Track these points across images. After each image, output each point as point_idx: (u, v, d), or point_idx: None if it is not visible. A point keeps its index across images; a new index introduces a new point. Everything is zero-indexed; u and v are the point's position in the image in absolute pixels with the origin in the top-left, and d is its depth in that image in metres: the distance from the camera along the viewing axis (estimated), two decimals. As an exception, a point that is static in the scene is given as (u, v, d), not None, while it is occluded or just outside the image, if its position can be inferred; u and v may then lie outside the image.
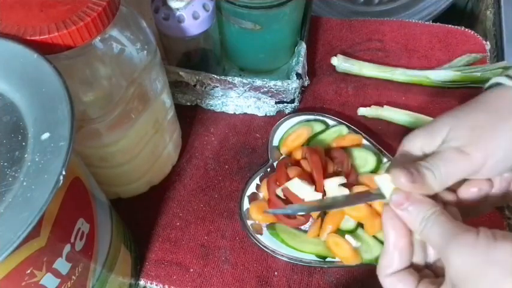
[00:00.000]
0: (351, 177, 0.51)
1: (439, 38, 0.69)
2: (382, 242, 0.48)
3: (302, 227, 0.51)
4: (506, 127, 0.33)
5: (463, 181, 0.34)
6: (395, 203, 0.32)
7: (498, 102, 0.34)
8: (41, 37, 0.33)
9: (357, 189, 0.51)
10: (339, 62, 0.66)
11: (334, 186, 0.49)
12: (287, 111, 0.62)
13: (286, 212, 0.47)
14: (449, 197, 0.34)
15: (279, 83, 0.57)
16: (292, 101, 0.60)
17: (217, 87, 0.59)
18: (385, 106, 0.61)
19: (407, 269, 0.32)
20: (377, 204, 0.50)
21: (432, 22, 0.73)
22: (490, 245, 0.27)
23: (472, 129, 0.33)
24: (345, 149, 0.54)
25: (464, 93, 0.63)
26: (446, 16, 0.82)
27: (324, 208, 0.48)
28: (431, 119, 0.59)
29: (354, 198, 0.41)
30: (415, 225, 0.31)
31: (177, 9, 0.52)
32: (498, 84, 0.36)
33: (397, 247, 0.32)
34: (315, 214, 0.50)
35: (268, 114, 0.62)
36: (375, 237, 0.49)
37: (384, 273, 0.32)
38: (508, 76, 0.35)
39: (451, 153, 0.33)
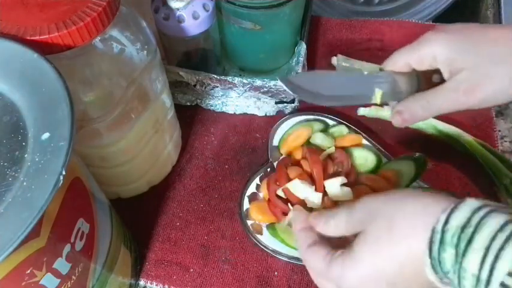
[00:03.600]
0: (351, 177, 0.51)
1: (439, 38, 0.69)
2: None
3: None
4: (505, 70, 0.35)
5: None
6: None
7: (500, 36, 0.36)
8: (41, 37, 0.33)
9: (357, 189, 0.51)
10: (339, 62, 0.66)
11: (335, 187, 0.49)
12: (287, 111, 0.62)
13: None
14: None
15: (279, 83, 0.57)
16: (292, 101, 0.60)
17: (217, 87, 0.59)
18: (385, 106, 0.61)
19: (320, 243, 0.36)
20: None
21: (432, 22, 0.73)
22: None
23: (471, 68, 0.36)
24: (345, 149, 0.54)
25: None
26: (446, 16, 0.82)
27: None
28: (431, 119, 0.59)
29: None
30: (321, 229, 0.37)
31: (177, 9, 0.52)
32: None
33: (301, 230, 0.37)
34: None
35: (268, 114, 0.62)
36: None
37: (302, 250, 0.36)
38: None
39: (450, 96, 0.37)
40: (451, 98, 0.37)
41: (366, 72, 0.40)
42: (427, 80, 0.39)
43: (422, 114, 0.40)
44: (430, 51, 0.38)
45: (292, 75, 0.39)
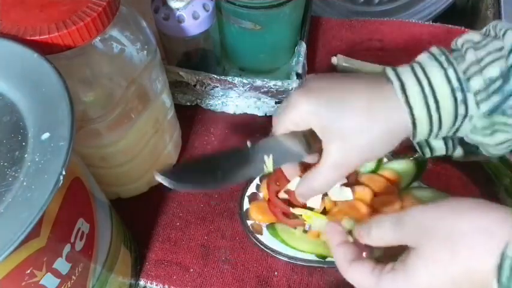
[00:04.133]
0: (351, 177, 0.51)
1: (439, 38, 0.69)
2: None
3: (302, 227, 0.51)
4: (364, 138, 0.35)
5: None
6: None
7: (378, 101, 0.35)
8: (41, 37, 0.33)
9: (357, 189, 0.51)
10: (339, 62, 0.66)
11: (335, 187, 0.49)
12: (287, 111, 0.61)
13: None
14: None
15: (279, 83, 0.57)
16: (292, 101, 0.60)
17: (217, 87, 0.59)
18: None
19: (362, 259, 0.35)
20: (377, 204, 0.50)
21: (432, 22, 0.73)
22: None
23: (339, 140, 0.36)
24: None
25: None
26: (446, 16, 0.81)
27: None
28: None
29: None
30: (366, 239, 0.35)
31: (177, 9, 0.52)
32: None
33: (340, 246, 0.36)
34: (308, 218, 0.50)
35: (268, 114, 0.62)
36: (375, 237, 0.49)
37: (343, 268, 0.35)
38: (395, 71, 0.36)
39: (327, 176, 0.38)
40: (334, 175, 0.38)
41: (249, 143, 0.39)
42: (315, 136, 0.38)
43: (315, 193, 0.42)
44: (298, 114, 0.37)
45: (169, 168, 0.37)
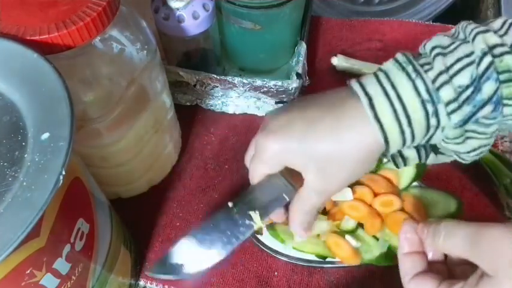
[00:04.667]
0: (351, 177, 0.51)
1: (439, 38, 0.69)
2: (382, 243, 0.48)
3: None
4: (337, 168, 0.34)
5: None
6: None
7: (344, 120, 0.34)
8: (41, 37, 0.33)
9: (357, 189, 0.51)
10: (339, 62, 0.66)
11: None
12: (287, 111, 0.61)
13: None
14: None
15: (279, 83, 0.57)
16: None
17: (217, 87, 0.59)
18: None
19: (428, 272, 0.33)
20: (377, 204, 0.50)
21: (432, 22, 0.73)
22: None
23: (313, 171, 0.35)
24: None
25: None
26: (446, 16, 0.82)
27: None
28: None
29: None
30: (430, 241, 0.33)
31: (177, 9, 0.52)
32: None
33: (408, 255, 0.34)
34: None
35: (268, 114, 0.62)
36: (375, 237, 0.49)
37: (406, 279, 0.34)
38: (361, 84, 0.33)
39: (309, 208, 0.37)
40: (317, 199, 0.37)
41: (230, 204, 0.38)
42: (293, 172, 0.37)
43: (308, 218, 0.39)
44: (270, 157, 0.36)
45: (159, 262, 0.37)
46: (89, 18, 0.34)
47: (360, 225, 0.49)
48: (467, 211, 0.50)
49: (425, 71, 0.32)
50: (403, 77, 0.32)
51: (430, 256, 0.34)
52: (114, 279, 0.41)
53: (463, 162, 0.36)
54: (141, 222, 0.53)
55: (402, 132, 0.32)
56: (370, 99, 0.32)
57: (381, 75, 0.33)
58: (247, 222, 0.38)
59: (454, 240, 0.31)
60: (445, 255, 0.35)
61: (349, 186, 0.50)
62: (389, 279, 0.48)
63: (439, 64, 0.32)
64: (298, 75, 0.59)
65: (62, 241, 0.31)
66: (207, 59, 0.61)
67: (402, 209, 0.50)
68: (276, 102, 0.60)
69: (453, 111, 0.31)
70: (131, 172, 0.51)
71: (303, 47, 0.61)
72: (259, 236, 0.50)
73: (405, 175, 0.52)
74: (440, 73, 0.31)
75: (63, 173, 0.26)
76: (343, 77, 0.66)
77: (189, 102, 0.63)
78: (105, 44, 0.39)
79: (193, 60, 0.60)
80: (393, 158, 0.39)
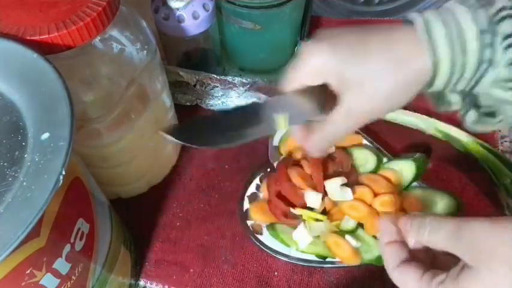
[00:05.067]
0: (351, 177, 0.51)
1: (439, 38, 0.69)
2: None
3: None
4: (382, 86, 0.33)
5: None
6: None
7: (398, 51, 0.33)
8: (41, 37, 0.33)
9: (357, 189, 0.51)
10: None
11: (335, 187, 0.49)
12: (287, 111, 0.61)
13: None
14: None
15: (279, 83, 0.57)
16: (292, 101, 0.60)
17: (217, 87, 0.59)
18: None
19: (411, 261, 0.33)
20: (377, 204, 0.50)
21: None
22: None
23: (354, 89, 0.34)
24: (345, 149, 0.54)
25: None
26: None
27: None
28: (431, 119, 0.59)
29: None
30: (414, 235, 0.33)
31: (177, 9, 0.52)
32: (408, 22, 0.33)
33: (389, 245, 0.35)
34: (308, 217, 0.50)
35: (268, 114, 0.62)
36: (375, 237, 0.49)
37: (390, 268, 0.34)
38: (419, 12, 0.33)
39: (340, 128, 0.36)
40: (348, 124, 0.36)
41: (261, 100, 0.37)
42: (330, 92, 0.36)
43: (330, 145, 0.39)
44: (313, 66, 0.35)
45: (175, 126, 0.36)
46: (89, 18, 0.34)
47: (360, 225, 0.50)
48: (467, 211, 0.50)
49: (487, 4, 0.31)
50: (463, 8, 0.32)
51: (411, 245, 0.34)
52: (114, 279, 0.41)
53: (503, 128, 0.35)
54: (141, 222, 0.53)
55: (453, 61, 0.32)
56: (426, 23, 0.32)
57: (441, 8, 0.33)
58: (269, 123, 0.37)
59: (438, 235, 0.31)
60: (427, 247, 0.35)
61: (348, 186, 0.50)
62: (389, 279, 0.48)
63: (501, 1, 0.31)
64: (298, 75, 0.58)
65: (62, 241, 0.31)
66: (207, 59, 0.61)
67: (402, 209, 0.50)
68: (276, 102, 0.60)
69: (510, 45, 0.31)
70: (131, 172, 0.51)
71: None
72: (259, 236, 0.50)
73: (405, 175, 0.52)
74: (502, 9, 0.31)
75: (63, 173, 0.26)
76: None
77: (189, 102, 0.63)
78: (105, 44, 0.39)
79: (193, 60, 0.60)
80: (436, 99, 0.38)
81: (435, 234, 0.32)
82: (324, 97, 0.36)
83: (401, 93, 0.34)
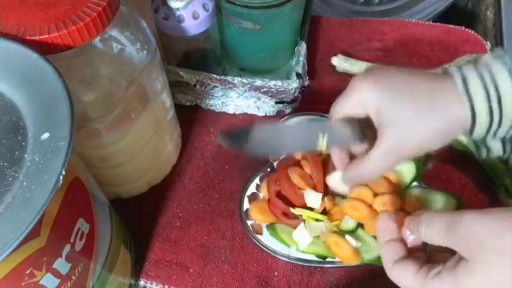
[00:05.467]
0: (351, 177, 0.51)
1: (439, 38, 0.69)
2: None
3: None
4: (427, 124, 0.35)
5: None
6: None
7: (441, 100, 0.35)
8: (41, 37, 0.33)
9: (357, 189, 0.51)
10: (339, 62, 0.66)
11: (337, 180, 0.49)
12: (287, 111, 0.62)
13: None
14: None
15: (279, 83, 0.57)
16: (292, 101, 0.60)
17: (217, 87, 0.59)
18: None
19: (408, 258, 0.34)
20: (377, 204, 0.50)
21: (432, 22, 0.73)
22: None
23: (396, 124, 0.36)
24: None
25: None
26: (446, 16, 0.82)
27: None
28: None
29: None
30: (415, 232, 0.34)
31: (177, 9, 0.52)
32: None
33: (388, 243, 0.36)
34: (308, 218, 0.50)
35: (268, 114, 0.62)
36: (375, 237, 0.49)
37: (389, 266, 0.35)
38: (457, 67, 0.36)
39: (380, 164, 0.37)
40: (384, 163, 0.37)
41: (306, 124, 0.41)
42: (369, 126, 0.39)
43: (365, 181, 0.42)
44: (359, 99, 0.37)
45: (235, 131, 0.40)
46: (89, 18, 0.34)
47: (360, 225, 0.50)
48: (467, 211, 0.50)
49: None
50: (499, 63, 0.34)
51: (409, 243, 0.35)
52: (114, 279, 0.41)
53: None
54: (141, 222, 0.53)
55: (491, 110, 0.34)
56: (464, 77, 0.34)
57: (478, 62, 0.35)
58: (312, 141, 0.40)
59: (433, 230, 0.32)
60: (426, 244, 0.36)
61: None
62: (389, 279, 0.48)
63: None
64: (298, 75, 0.59)
65: (62, 241, 0.31)
66: (207, 59, 0.61)
67: (402, 209, 0.50)
68: (276, 102, 0.60)
69: None
70: (131, 172, 0.51)
71: (303, 47, 0.61)
72: (259, 236, 0.50)
73: (405, 175, 0.52)
74: None
75: (63, 173, 0.26)
76: (343, 77, 0.66)
77: (189, 102, 0.63)
78: (105, 44, 0.39)
79: (193, 60, 0.60)
80: (477, 147, 0.40)
81: (430, 229, 0.32)
82: (366, 129, 0.39)
83: (438, 137, 0.36)
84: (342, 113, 0.39)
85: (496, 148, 0.39)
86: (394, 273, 0.34)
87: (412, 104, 0.35)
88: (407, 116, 0.35)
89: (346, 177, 0.41)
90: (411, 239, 0.35)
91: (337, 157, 0.42)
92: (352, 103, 0.38)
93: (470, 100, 0.34)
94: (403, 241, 0.35)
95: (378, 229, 0.37)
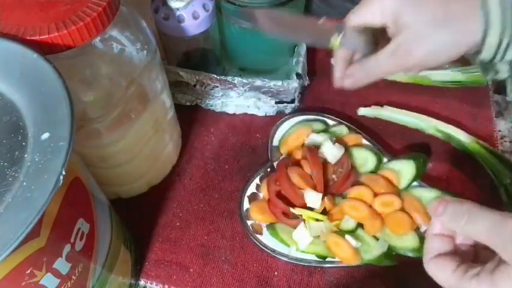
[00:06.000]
0: (351, 177, 0.51)
1: (439, 38, 0.69)
2: (382, 243, 0.48)
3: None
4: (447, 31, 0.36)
5: None
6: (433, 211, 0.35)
7: None
8: (41, 37, 0.33)
9: (357, 189, 0.51)
10: (339, 62, 0.65)
11: (329, 145, 0.51)
12: (287, 111, 0.62)
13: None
14: None
15: (279, 83, 0.57)
16: (292, 101, 0.60)
17: (217, 87, 0.59)
18: (385, 106, 0.61)
19: (448, 254, 0.33)
20: (377, 204, 0.50)
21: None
22: None
23: (412, 27, 0.37)
24: (345, 149, 0.54)
25: (464, 93, 0.63)
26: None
27: None
28: (431, 119, 0.59)
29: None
30: (447, 221, 0.33)
31: (177, 9, 0.52)
32: None
33: (437, 236, 0.34)
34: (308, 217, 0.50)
35: (268, 114, 0.62)
36: (375, 237, 0.49)
37: (427, 258, 0.34)
38: None
39: (389, 61, 0.38)
40: (390, 62, 0.38)
41: (322, 20, 0.42)
42: (384, 35, 0.40)
43: (367, 80, 0.41)
44: (378, 6, 0.38)
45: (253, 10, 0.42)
46: (89, 18, 0.34)
47: (360, 225, 0.50)
48: (467, 211, 0.50)
49: None
50: None
51: (459, 240, 0.34)
52: (114, 279, 0.41)
53: None
54: (141, 222, 0.53)
55: (504, 26, 0.34)
56: None
57: None
58: (326, 37, 0.42)
59: (476, 226, 0.31)
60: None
61: (349, 187, 0.50)
62: (389, 279, 0.48)
63: None
64: (298, 75, 0.59)
65: (62, 241, 0.31)
66: (207, 59, 0.61)
67: (402, 209, 0.50)
68: (276, 102, 0.60)
69: None
70: (131, 172, 0.51)
71: (303, 47, 0.61)
72: (259, 236, 0.50)
73: (405, 175, 0.52)
74: None
75: (63, 173, 0.26)
76: (343, 77, 0.66)
77: (189, 102, 0.63)
78: (105, 44, 0.39)
79: (193, 60, 0.60)
80: (484, 69, 0.40)
81: (473, 225, 0.31)
82: (378, 41, 0.41)
83: (448, 49, 0.36)
84: (359, 21, 0.40)
85: (504, 69, 0.39)
86: (431, 266, 0.33)
87: (429, 12, 0.36)
88: (422, 21, 0.36)
89: (348, 73, 0.42)
90: (461, 238, 0.34)
91: (342, 56, 0.43)
92: (371, 11, 0.39)
93: (486, 13, 0.34)
94: (451, 238, 0.34)
95: (432, 214, 0.35)
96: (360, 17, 0.40)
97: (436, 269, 0.33)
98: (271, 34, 0.41)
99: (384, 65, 0.39)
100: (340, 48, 0.42)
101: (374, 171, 0.53)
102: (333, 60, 0.44)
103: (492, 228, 0.30)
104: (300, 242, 0.48)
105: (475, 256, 0.33)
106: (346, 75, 0.43)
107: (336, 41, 0.41)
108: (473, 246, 0.34)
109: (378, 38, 0.41)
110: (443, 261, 0.32)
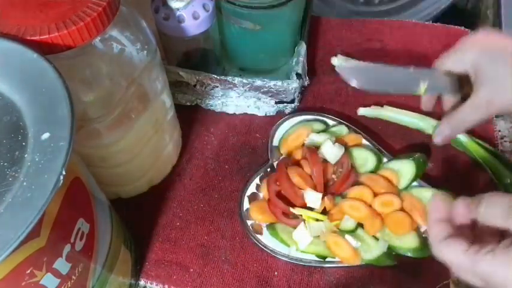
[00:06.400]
0: (351, 177, 0.51)
1: (439, 38, 0.69)
2: (382, 243, 0.48)
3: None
4: None
5: None
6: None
7: None
8: (41, 37, 0.33)
9: (357, 189, 0.51)
10: (339, 62, 0.66)
11: (329, 146, 0.51)
12: (287, 111, 0.62)
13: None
14: None
15: (279, 83, 0.57)
16: (292, 101, 0.60)
17: (217, 87, 0.59)
18: (385, 106, 0.61)
19: (457, 235, 0.33)
20: (377, 204, 0.50)
21: (432, 22, 0.73)
22: None
23: (492, 80, 0.41)
24: (345, 149, 0.54)
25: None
26: (446, 16, 0.81)
27: None
28: (431, 119, 0.59)
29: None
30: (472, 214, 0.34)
31: (177, 9, 0.52)
32: None
33: (437, 222, 0.35)
34: (308, 217, 0.50)
35: (268, 114, 0.62)
36: (374, 237, 0.49)
37: (435, 242, 0.34)
38: None
39: (476, 113, 0.43)
40: (475, 115, 0.42)
41: (411, 68, 0.45)
42: (468, 82, 0.44)
43: (454, 135, 0.47)
44: (462, 57, 0.43)
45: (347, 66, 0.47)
46: (89, 18, 0.34)
47: (360, 225, 0.50)
48: (467, 211, 0.50)
49: None
50: None
51: (458, 221, 0.34)
52: (114, 279, 0.41)
53: None
54: (141, 222, 0.53)
55: None
56: None
57: None
58: (413, 85, 0.45)
59: (494, 210, 0.31)
60: (473, 227, 0.35)
61: (349, 187, 0.50)
62: (389, 279, 0.48)
63: None
64: (298, 75, 0.59)
65: (62, 241, 0.31)
66: (207, 59, 0.61)
67: (402, 209, 0.50)
68: (276, 102, 0.60)
69: None
70: (131, 172, 0.51)
71: (303, 47, 0.61)
72: (259, 236, 0.50)
73: (405, 175, 0.52)
74: None
75: (63, 173, 0.26)
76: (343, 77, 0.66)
77: (189, 102, 0.63)
78: (105, 44, 0.39)
79: (193, 60, 0.60)
80: None
81: (491, 209, 0.32)
82: (463, 85, 0.45)
83: None
84: (446, 66, 0.45)
85: None
86: (441, 249, 0.33)
87: (507, 64, 0.40)
88: (502, 74, 0.40)
89: (439, 128, 0.46)
90: (460, 218, 0.34)
91: (427, 100, 0.48)
92: (455, 60, 0.44)
93: None
94: (451, 223, 0.34)
95: (429, 209, 0.36)
96: (445, 65, 0.45)
97: (448, 249, 0.33)
98: (370, 91, 0.44)
99: (468, 119, 0.43)
100: (426, 94, 0.47)
101: (374, 171, 0.53)
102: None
103: (509, 211, 0.31)
104: (300, 242, 0.48)
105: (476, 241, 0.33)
106: (435, 133, 0.47)
107: (423, 87, 0.44)
108: (471, 233, 0.34)
109: (462, 81, 0.44)
110: (453, 243, 0.32)
